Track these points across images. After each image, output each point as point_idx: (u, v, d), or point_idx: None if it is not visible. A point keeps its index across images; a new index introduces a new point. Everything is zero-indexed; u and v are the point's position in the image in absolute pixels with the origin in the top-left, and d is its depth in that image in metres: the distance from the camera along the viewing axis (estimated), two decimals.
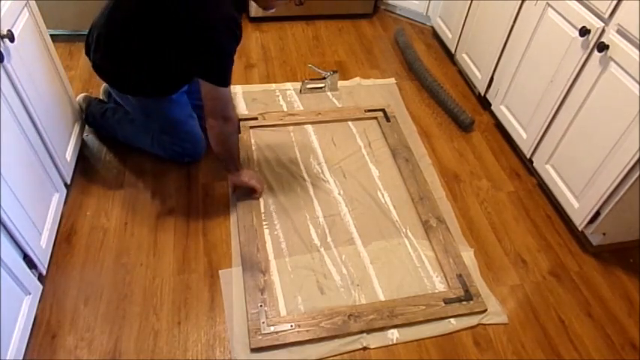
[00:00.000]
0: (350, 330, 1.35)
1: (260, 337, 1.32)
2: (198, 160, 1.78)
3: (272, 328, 1.34)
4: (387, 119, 2.06)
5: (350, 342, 1.34)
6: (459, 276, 1.50)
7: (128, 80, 1.56)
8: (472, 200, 1.79)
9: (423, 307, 1.41)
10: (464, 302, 1.44)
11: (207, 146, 1.73)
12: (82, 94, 1.87)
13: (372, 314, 1.38)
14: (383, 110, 2.11)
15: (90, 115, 1.82)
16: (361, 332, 1.36)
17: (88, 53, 1.59)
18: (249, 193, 1.68)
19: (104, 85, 1.90)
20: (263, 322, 1.35)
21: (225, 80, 1.43)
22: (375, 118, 2.08)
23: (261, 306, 1.39)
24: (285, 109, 2.08)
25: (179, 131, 1.69)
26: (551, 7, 1.64)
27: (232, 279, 1.46)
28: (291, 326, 1.35)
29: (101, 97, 1.92)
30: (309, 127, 2.01)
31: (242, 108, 2.07)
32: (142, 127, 1.74)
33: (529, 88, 1.80)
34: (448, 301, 1.43)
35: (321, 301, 1.43)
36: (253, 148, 1.88)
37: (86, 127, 1.86)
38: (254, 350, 1.30)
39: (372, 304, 1.42)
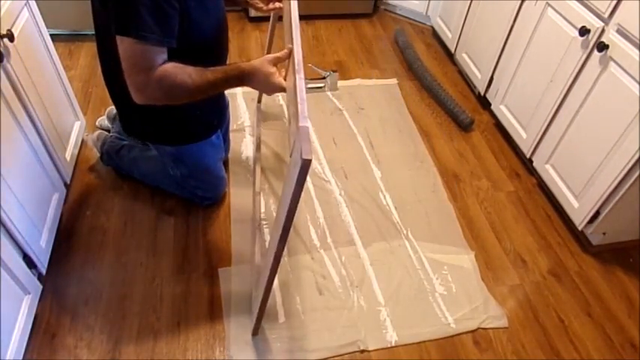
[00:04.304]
0: None
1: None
2: (216, 202, 1.68)
3: None
4: None
5: (348, 344, 1.34)
6: None
7: (162, 130, 1.45)
8: (472, 200, 1.79)
9: None
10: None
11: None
12: (96, 132, 1.75)
13: None
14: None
15: (105, 154, 1.71)
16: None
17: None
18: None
19: (109, 108, 1.84)
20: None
21: (131, 25, 1.01)
22: None
23: None
24: (285, 109, 2.08)
25: (207, 177, 1.60)
26: (551, 6, 1.64)
27: (231, 278, 1.46)
28: None
29: (106, 121, 1.84)
30: (310, 127, 2.01)
31: (242, 108, 2.07)
32: (161, 167, 1.60)
33: (529, 87, 1.80)
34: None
35: (320, 302, 1.43)
36: (253, 149, 1.89)
37: (85, 127, 1.85)
38: None
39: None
